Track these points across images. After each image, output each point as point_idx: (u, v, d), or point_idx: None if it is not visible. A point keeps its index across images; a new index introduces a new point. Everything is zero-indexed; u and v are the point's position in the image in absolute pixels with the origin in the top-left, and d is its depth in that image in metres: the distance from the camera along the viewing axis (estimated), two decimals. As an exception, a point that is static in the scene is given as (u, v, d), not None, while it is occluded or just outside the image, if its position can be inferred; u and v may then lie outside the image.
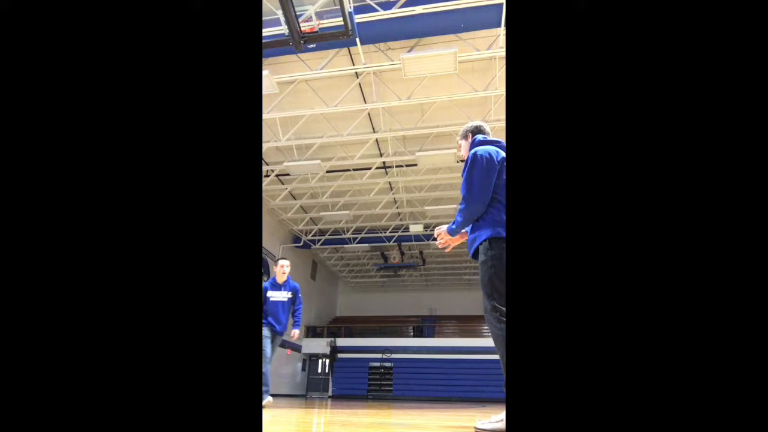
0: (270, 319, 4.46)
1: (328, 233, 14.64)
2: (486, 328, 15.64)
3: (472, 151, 2.11)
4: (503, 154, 2.10)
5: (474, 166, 2.03)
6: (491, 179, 2.00)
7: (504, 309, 1.86)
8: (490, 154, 2.05)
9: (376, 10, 5.85)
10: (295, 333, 4.64)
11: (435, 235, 2.28)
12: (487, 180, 2.00)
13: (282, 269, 4.62)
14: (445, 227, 2.21)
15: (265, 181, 10.84)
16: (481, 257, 1.98)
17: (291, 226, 14.21)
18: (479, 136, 2.24)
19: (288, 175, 10.61)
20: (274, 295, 4.54)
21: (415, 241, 14.44)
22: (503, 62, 6.90)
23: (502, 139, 2.13)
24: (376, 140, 9.49)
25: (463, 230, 2.16)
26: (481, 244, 2.00)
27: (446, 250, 2.30)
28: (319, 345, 16.48)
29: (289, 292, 4.59)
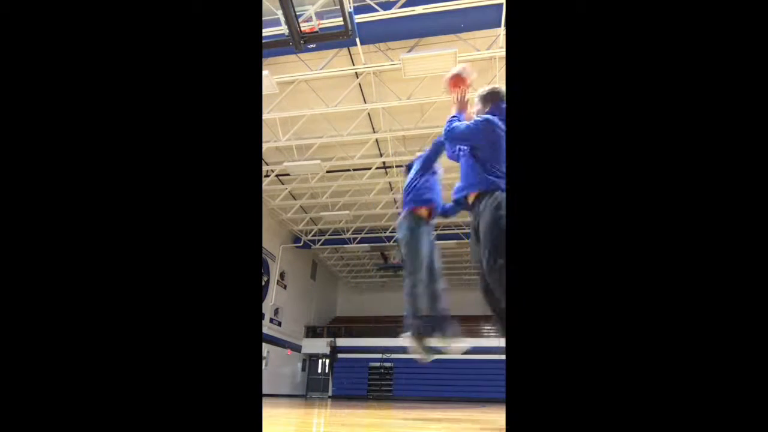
0: None
1: (328, 233, 14.63)
2: (486, 328, 15.67)
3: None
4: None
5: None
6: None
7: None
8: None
9: (376, 10, 5.85)
10: None
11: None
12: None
13: None
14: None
15: (265, 181, 10.83)
16: (489, 206, 2.01)
17: (291, 227, 14.21)
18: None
19: (288, 175, 10.60)
20: None
21: (415, 241, 14.37)
22: (503, 62, 6.90)
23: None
24: (376, 140, 9.50)
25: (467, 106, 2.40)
26: (486, 193, 2.05)
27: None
28: (319, 345, 16.47)
29: None
